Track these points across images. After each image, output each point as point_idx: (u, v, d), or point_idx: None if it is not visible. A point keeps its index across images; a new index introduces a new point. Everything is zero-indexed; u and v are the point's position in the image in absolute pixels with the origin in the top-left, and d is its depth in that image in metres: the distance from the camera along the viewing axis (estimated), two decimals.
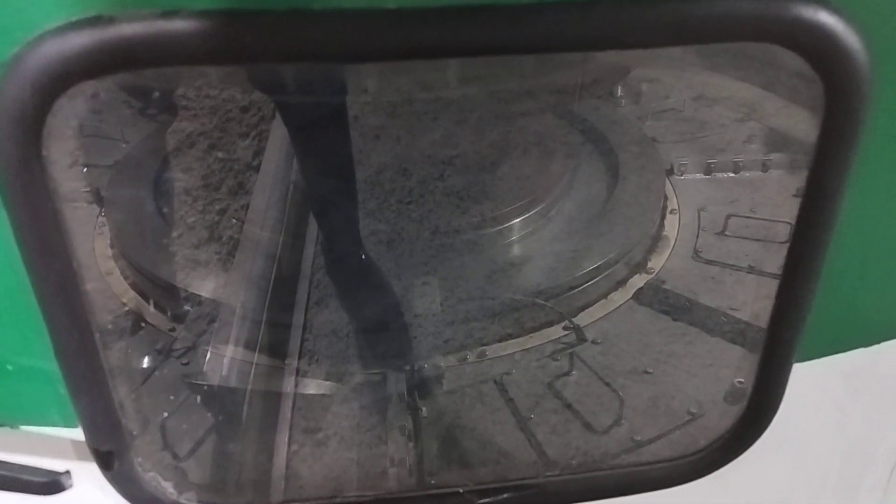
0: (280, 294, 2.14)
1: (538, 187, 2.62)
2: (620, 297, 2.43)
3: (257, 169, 2.52)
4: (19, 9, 0.89)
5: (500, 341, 2.25)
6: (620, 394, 2.07)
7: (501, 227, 2.49)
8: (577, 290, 2.37)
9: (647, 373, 2.15)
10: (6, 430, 1.23)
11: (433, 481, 1.89)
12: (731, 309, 2.32)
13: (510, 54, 0.96)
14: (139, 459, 1.33)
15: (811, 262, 1.18)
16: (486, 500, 1.46)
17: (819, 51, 0.97)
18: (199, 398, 1.81)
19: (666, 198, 2.77)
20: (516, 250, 2.51)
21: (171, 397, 1.89)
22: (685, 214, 2.72)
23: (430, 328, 2.18)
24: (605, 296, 2.42)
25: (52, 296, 1.08)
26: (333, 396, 1.96)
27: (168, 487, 1.39)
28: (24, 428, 1.23)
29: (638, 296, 2.42)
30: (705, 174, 2.90)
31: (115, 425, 1.24)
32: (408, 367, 2.09)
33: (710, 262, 2.52)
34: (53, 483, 1.25)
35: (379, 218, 2.41)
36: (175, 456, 1.66)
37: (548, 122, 2.94)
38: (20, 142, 0.93)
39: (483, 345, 2.23)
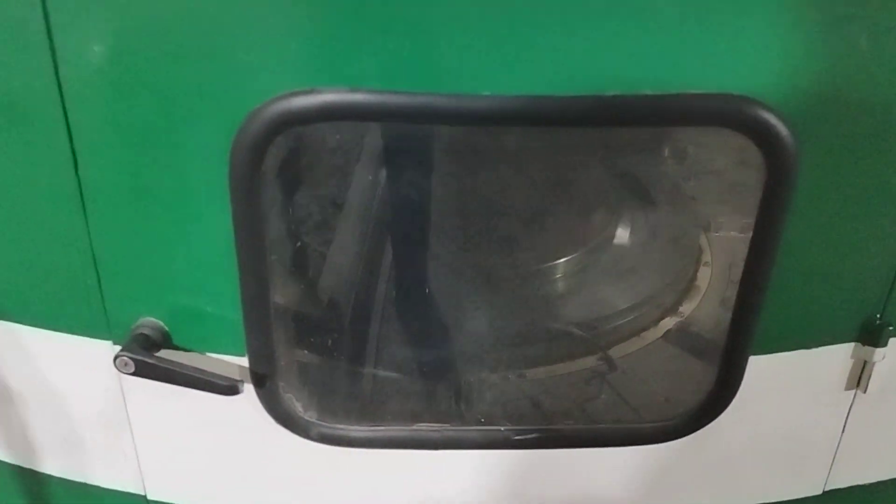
0: None
1: (584, 234, 2.95)
2: (651, 335, 2.73)
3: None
4: (266, 89, 1.38)
5: (538, 366, 2.57)
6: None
7: (549, 265, 2.82)
8: (612, 326, 2.69)
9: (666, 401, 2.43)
10: (195, 354, 1.73)
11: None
12: None
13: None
14: (282, 383, 1.78)
15: (759, 281, 1.59)
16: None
17: (759, 134, 1.39)
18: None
19: (701, 251, 3.05)
20: (561, 288, 2.83)
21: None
22: (717, 267, 2.99)
23: (478, 349, 2.52)
24: (637, 333, 2.73)
25: (249, 272, 1.56)
26: None
27: (298, 406, 1.83)
28: (207, 354, 1.73)
29: (666, 336, 2.72)
30: (740, 232, 3.13)
31: (270, 356, 1.71)
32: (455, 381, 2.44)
33: None
34: (233, 386, 1.68)
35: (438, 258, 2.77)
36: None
37: (597, 178, 3.26)
38: (249, 161, 1.41)
39: (525, 367, 2.55)
